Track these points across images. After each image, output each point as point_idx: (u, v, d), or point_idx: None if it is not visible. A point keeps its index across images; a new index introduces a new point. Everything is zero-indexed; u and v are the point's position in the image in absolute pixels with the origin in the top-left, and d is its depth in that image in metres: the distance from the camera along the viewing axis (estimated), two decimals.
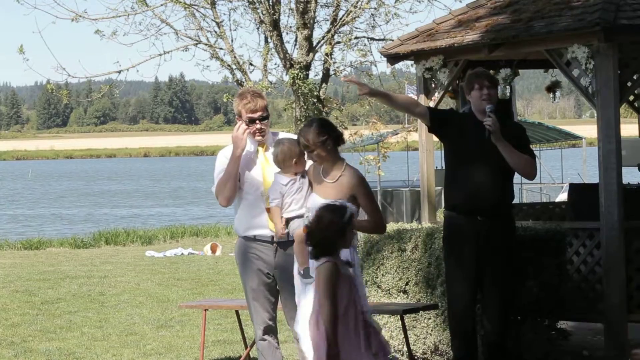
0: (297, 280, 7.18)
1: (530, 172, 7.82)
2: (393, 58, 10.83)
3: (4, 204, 55.78)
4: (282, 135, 7.66)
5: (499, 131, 7.66)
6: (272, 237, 7.44)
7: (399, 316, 8.89)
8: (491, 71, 10.24)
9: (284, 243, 7.42)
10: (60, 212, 49.42)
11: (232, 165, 7.44)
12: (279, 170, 7.32)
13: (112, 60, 27.58)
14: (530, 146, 8.01)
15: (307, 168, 7.26)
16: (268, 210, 7.38)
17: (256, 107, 7.45)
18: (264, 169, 7.50)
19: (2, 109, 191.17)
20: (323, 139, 6.94)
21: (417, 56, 10.49)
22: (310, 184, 7.19)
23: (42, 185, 77.15)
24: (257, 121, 7.44)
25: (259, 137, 7.49)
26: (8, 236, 29.26)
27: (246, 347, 9.61)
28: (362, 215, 7.04)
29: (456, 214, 7.85)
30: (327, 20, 29.47)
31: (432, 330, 9.03)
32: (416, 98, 10.25)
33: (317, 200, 6.98)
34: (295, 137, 7.31)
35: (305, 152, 7.08)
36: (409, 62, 17.82)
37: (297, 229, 7.07)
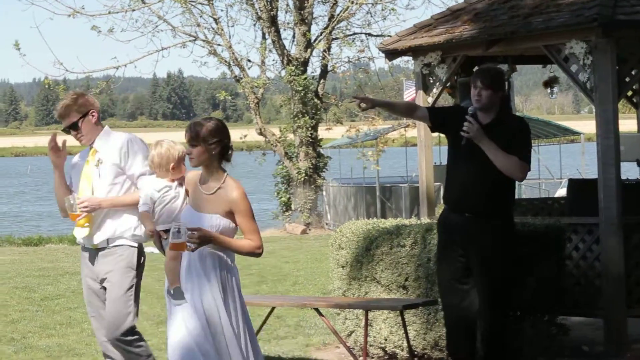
0: (167, 301, 6.49)
1: (515, 174, 7.56)
2: (391, 54, 10.85)
3: (10, 201, 55.78)
4: (119, 134, 7.15)
5: (479, 134, 7.51)
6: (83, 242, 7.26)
7: (398, 312, 8.90)
8: None
9: (102, 249, 7.18)
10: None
11: (55, 176, 7.22)
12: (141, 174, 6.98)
13: (110, 56, 27.68)
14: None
15: (186, 175, 6.56)
16: (73, 216, 7.06)
17: (62, 115, 7.18)
18: (83, 172, 7.17)
19: (0, 105, 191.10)
20: (214, 140, 6.19)
21: (415, 52, 10.50)
22: (188, 194, 6.51)
23: (46, 181, 77.04)
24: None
25: (82, 142, 7.18)
26: (12, 233, 29.20)
27: None
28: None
29: (447, 209, 7.87)
30: (325, 16, 29.52)
31: (432, 326, 9.04)
32: (414, 94, 10.26)
33: (191, 212, 6.33)
34: (172, 140, 6.70)
35: (186, 148, 6.33)
36: (407, 58, 17.90)
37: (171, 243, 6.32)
